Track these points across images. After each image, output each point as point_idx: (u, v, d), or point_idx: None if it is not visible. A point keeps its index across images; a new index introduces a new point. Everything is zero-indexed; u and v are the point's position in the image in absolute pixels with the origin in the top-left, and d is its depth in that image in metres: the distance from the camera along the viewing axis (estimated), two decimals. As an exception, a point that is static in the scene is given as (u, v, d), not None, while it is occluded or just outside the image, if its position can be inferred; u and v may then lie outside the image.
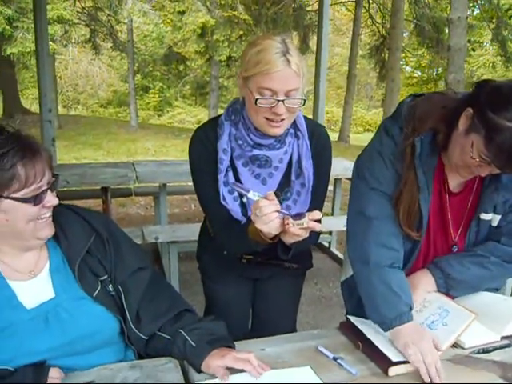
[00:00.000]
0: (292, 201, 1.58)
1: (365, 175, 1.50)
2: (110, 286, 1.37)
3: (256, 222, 1.35)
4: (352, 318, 1.54)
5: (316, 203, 1.62)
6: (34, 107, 17.18)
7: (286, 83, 1.38)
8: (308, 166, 1.56)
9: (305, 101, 1.45)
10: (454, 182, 1.49)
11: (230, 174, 1.55)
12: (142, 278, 1.42)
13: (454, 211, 1.52)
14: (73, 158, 10.33)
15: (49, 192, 1.24)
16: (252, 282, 1.81)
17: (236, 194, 1.55)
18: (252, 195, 1.36)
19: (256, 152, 1.52)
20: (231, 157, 1.55)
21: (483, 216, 1.50)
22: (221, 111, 1.67)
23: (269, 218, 1.32)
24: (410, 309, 1.43)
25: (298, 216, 1.33)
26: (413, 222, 1.46)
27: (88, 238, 1.36)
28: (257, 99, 1.39)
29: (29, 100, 20.19)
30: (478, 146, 1.27)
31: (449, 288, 1.55)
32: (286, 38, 1.42)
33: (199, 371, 1.31)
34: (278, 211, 1.32)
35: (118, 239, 1.43)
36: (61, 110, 18.96)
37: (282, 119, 1.44)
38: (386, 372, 1.33)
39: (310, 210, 1.41)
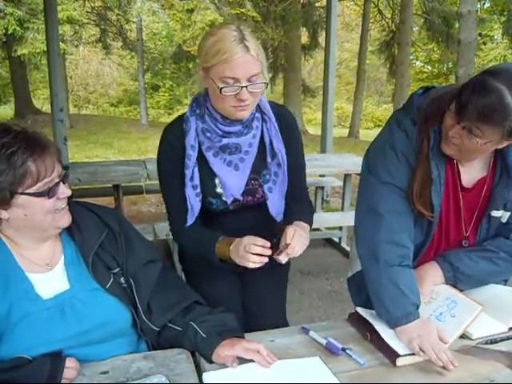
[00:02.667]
0: (272, 182, 1.63)
1: (377, 169, 1.50)
2: (122, 279, 1.41)
3: (237, 252, 1.49)
4: (360, 310, 1.56)
5: (297, 183, 1.70)
6: (46, 107, 17.30)
7: (248, 69, 1.41)
8: (280, 146, 1.61)
9: (267, 84, 1.50)
10: (467, 177, 1.49)
11: (196, 170, 1.59)
12: (153, 270, 1.45)
13: (467, 207, 1.53)
14: (84, 157, 10.41)
15: (61, 184, 1.29)
16: (239, 277, 1.83)
17: (199, 190, 1.60)
18: None
19: (225, 141, 1.55)
20: (200, 150, 1.58)
21: (494, 213, 1.51)
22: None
23: (252, 259, 1.45)
24: (417, 307, 1.45)
25: (277, 253, 1.47)
26: (427, 203, 1.46)
27: (101, 232, 1.40)
28: (221, 88, 1.41)
29: (40, 100, 20.35)
30: (451, 113, 1.32)
31: (457, 281, 1.56)
32: (241, 25, 1.45)
33: (210, 361, 1.34)
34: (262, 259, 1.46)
35: (129, 234, 1.46)
36: (72, 110, 19.07)
37: (247, 104, 1.48)
38: (394, 362, 1.35)
39: (293, 188, 1.66)
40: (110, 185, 4.08)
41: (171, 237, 3.49)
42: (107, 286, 1.36)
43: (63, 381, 1.21)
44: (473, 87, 1.26)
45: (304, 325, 1.55)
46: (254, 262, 1.45)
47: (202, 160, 1.59)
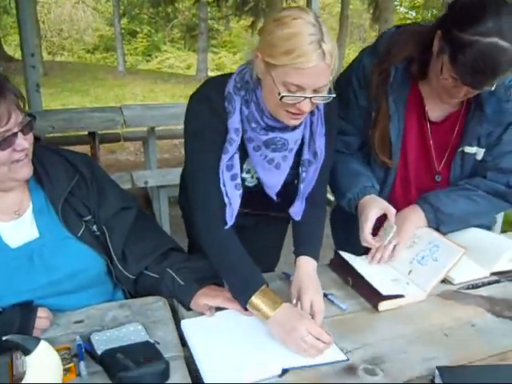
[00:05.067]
0: (306, 183, 1.41)
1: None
2: (95, 227, 1.35)
3: (284, 330, 1.18)
4: (342, 253, 1.53)
5: (321, 182, 1.44)
6: (18, 54, 16.65)
7: (318, 80, 1.16)
8: (321, 143, 1.37)
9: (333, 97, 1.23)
10: (436, 112, 1.50)
11: (236, 157, 1.33)
12: (127, 217, 1.39)
13: (437, 141, 1.53)
14: (60, 105, 10.10)
15: (19, 135, 1.17)
16: (237, 230, 1.75)
17: (239, 181, 1.34)
18: None
19: (271, 135, 1.31)
20: (241, 138, 1.33)
21: (467, 149, 1.50)
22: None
23: (309, 352, 1.15)
24: (373, 186, 1.54)
25: None
26: (387, 150, 1.53)
27: (71, 178, 1.33)
28: (282, 96, 1.17)
29: (12, 47, 19.50)
30: (446, 65, 1.28)
31: (439, 223, 1.54)
32: (318, 16, 1.18)
33: (188, 309, 1.31)
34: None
35: (101, 180, 1.39)
36: (46, 57, 18.37)
37: (305, 115, 1.27)
38: (375, 307, 1.33)
39: (315, 188, 1.41)
40: (85, 132, 3.95)
41: (149, 184, 3.47)
42: (79, 234, 1.30)
43: (35, 331, 1.16)
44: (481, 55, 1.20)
45: (285, 270, 1.52)
46: (310, 356, 1.15)
47: (240, 148, 1.34)
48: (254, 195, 1.45)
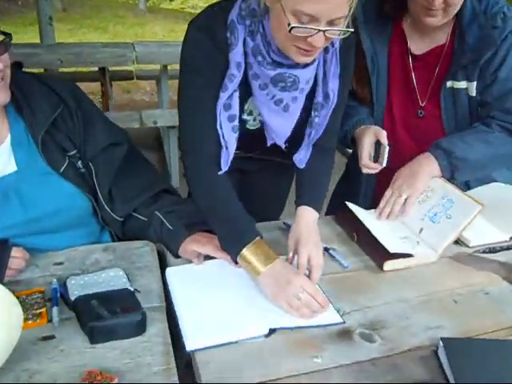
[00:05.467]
0: (316, 128, 1.25)
1: None
2: (80, 163, 1.25)
3: (277, 283, 1.07)
4: (350, 205, 1.41)
5: (332, 126, 1.28)
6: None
7: (334, 10, 0.99)
8: (335, 86, 1.21)
9: (350, 33, 1.05)
10: (419, 45, 1.49)
11: (236, 96, 1.18)
12: (116, 153, 1.28)
13: (420, 75, 1.50)
14: (77, 41, 9.90)
15: None
16: (238, 174, 1.61)
17: (236, 123, 1.19)
18: None
19: (280, 70, 1.14)
20: (244, 73, 1.17)
21: (457, 85, 1.44)
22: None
23: (301, 312, 1.04)
24: (367, 118, 1.52)
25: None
26: (365, 86, 1.54)
27: (54, 109, 1.20)
28: (292, 27, 1.00)
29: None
30: None
31: (454, 169, 1.40)
32: None
33: (176, 256, 1.21)
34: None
35: (89, 111, 1.27)
36: (67, -9, 17.96)
37: (317, 50, 1.10)
38: (380, 266, 1.22)
39: (325, 132, 1.25)
40: (95, 68, 3.81)
41: (159, 124, 3.33)
42: (61, 170, 1.20)
43: (9, 271, 1.08)
44: None
45: (286, 220, 1.40)
46: (302, 316, 1.04)
47: (243, 86, 1.18)
48: (257, 139, 1.31)
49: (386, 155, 1.36)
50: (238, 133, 1.19)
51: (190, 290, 1.10)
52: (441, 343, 0.94)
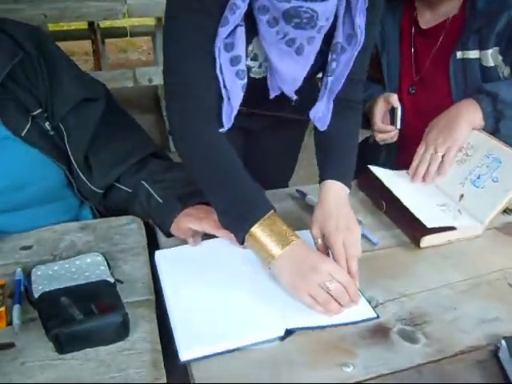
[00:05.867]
0: (335, 76, 1.02)
1: None
2: (47, 124, 1.02)
3: (299, 267, 0.84)
4: (374, 169, 1.19)
5: (358, 72, 1.05)
6: None
7: None
8: (361, 23, 0.98)
9: None
10: (426, 17, 1.38)
11: (240, 32, 0.94)
12: (91, 111, 1.05)
13: (420, 47, 1.39)
14: None
15: None
16: (243, 134, 1.38)
17: (243, 68, 0.96)
18: None
19: (296, 3, 0.89)
20: (250, 7, 0.92)
21: (466, 54, 1.29)
22: None
23: (329, 306, 0.81)
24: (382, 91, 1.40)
25: None
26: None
27: (10, 57, 0.97)
28: None
29: None
30: None
31: (499, 117, 1.17)
32: None
33: (168, 235, 1.00)
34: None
35: (56, 61, 1.03)
36: None
37: None
38: (417, 242, 1.01)
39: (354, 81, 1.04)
40: (84, 25, 3.54)
41: (154, 83, 3.09)
42: (23, 134, 0.98)
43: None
44: None
45: (300, 187, 1.19)
46: (328, 312, 0.83)
47: (247, 21, 0.95)
48: (263, 91, 1.08)
49: (399, 117, 1.31)
50: (245, 80, 0.95)
51: (184, 280, 0.89)
52: (503, 343, 0.75)
